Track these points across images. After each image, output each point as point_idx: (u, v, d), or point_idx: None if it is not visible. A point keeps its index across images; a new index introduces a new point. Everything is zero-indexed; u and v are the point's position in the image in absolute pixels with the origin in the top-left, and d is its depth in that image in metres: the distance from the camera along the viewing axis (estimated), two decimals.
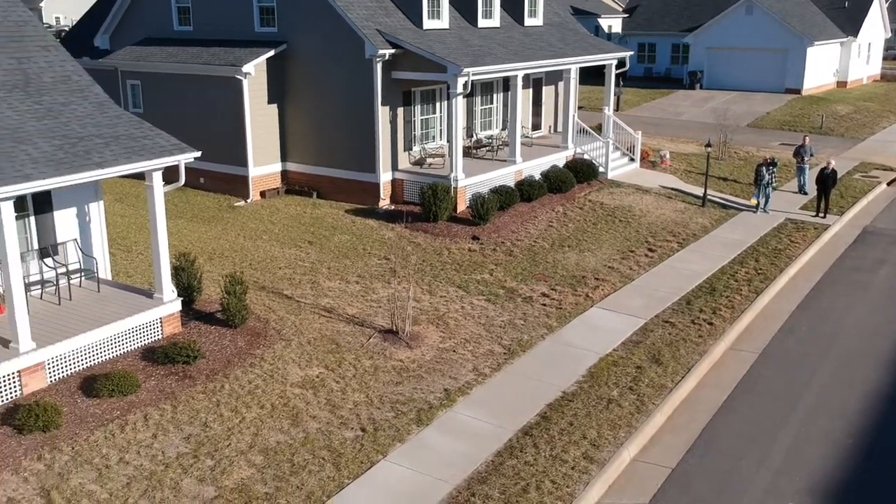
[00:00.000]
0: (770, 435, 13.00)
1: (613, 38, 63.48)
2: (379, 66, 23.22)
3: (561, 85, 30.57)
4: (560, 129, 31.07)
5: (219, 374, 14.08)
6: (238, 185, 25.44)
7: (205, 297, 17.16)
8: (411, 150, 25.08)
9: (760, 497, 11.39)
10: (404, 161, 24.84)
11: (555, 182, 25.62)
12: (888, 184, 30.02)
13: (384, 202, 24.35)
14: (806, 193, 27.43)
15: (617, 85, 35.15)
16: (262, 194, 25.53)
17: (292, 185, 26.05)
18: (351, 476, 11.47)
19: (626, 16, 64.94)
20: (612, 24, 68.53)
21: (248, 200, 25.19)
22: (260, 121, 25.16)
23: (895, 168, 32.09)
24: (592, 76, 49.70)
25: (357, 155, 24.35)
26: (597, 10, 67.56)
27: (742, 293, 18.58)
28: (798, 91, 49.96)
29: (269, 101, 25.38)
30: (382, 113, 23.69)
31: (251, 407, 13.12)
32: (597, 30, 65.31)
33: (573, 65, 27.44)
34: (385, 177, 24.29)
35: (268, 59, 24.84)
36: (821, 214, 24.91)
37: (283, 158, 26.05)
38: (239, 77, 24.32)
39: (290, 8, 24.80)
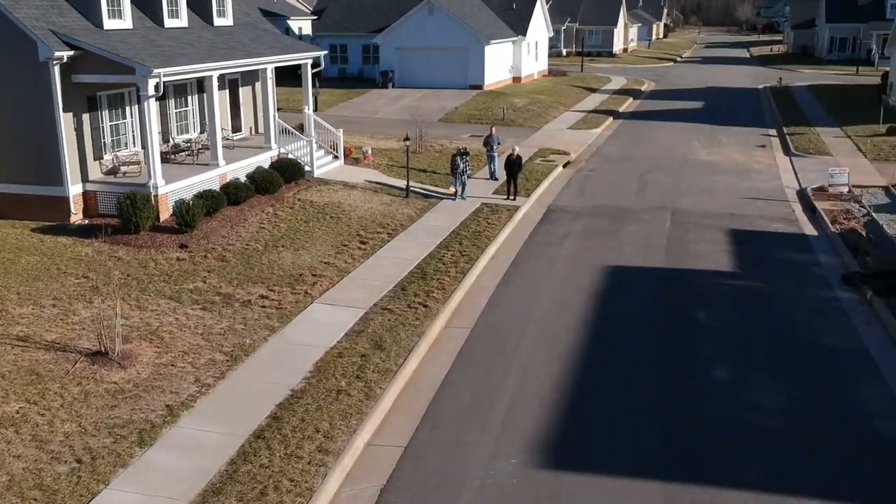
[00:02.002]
0: (488, 402, 13.95)
1: (304, 39, 63.80)
2: (57, 70, 21.29)
3: (258, 85, 30.19)
4: (262, 130, 30.67)
5: None
6: None
7: None
8: (102, 158, 23.36)
9: (487, 460, 12.20)
10: (96, 171, 23.06)
11: (262, 183, 25.30)
12: (564, 166, 33.44)
13: (76, 217, 22.44)
14: (497, 179, 29.69)
15: (313, 85, 35.50)
16: None
17: None
18: None
19: (314, 17, 65.65)
20: (302, 25, 68.93)
21: None
22: None
23: (568, 152, 35.84)
24: (288, 77, 49.63)
25: (39, 167, 22.17)
26: (285, 11, 67.53)
27: (450, 275, 19.70)
28: (480, 87, 53.83)
29: None
30: (65, 120, 21.78)
31: None
32: (287, 31, 65.21)
33: (269, 64, 27.22)
34: (74, 189, 22.39)
35: None
36: (511, 197, 27.12)
37: None
38: None
39: None
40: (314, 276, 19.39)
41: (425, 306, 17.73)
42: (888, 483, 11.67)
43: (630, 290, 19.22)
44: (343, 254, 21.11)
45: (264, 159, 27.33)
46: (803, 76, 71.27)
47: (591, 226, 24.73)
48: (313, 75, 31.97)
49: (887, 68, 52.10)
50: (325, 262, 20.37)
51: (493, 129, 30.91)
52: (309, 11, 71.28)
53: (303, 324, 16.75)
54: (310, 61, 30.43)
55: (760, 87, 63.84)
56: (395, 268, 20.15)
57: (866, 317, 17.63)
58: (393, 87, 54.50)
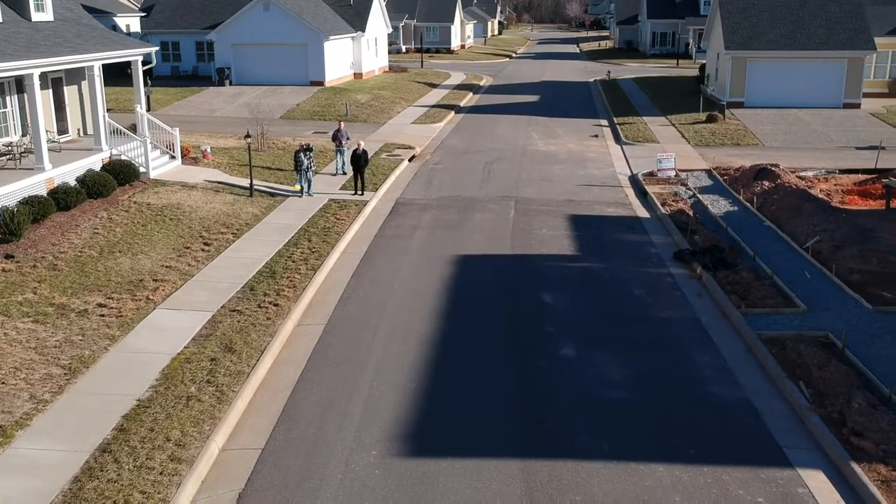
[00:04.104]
0: (346, 397, 13.85)
1: (133, 36, 60.76)
2: None
3: (85, 85, 28.50)
4: (91, 131, 28.98)
5: None
6: None
7: None
8: None
9: (347, 454, 12.11)
10: None
11: (94, 187, 23.93)
12: (409, 160, 33.67)
13: None
14: (346, 174, 29.50)
15: (145, 84, 33.86)
16: None
17: None
18: None
19: (143, 14, 62.75)
20: (130, 22, 65.67)
21: None
22: None
23: (413, 147, 36.11)
24: (116, 76, 47.20)
25: None
26: (111, 8, 64.03)
27: (301, 272, 19.40)
28: (321, 83, 53.26)
29: None
30: None
31: None
32: (114, 29, 61.94)
33: (96, 61, 25.74)
34: None
35: None
36: (359, 192, 27.02)
37: None
38: None
39: None
40: (155, 280, 18.55)
41: (276, 305, 17.36)
42: (725, 442, 12.54)
43: (479, 278, 19.62)
44: (186, 256, 20.31)
45: (95, 161, 25.85)
46: (629, 69, 75.12)
47: (440, 217, 25.04)
48: (145, 73, 30.55)
49: (703, 61, 55.82)
50: (167, 266, 19.54)
51: (342, 123, 30.69)
52: (137, 8, 67.95)
53: (146, 331, 15.99)
54: (140, 58, 29.06)
55: (591, 80, 66.77)
56: (243, 268, 19.61)
57: (697, 289, 18.87)
58: (230, 84, 52.96)
